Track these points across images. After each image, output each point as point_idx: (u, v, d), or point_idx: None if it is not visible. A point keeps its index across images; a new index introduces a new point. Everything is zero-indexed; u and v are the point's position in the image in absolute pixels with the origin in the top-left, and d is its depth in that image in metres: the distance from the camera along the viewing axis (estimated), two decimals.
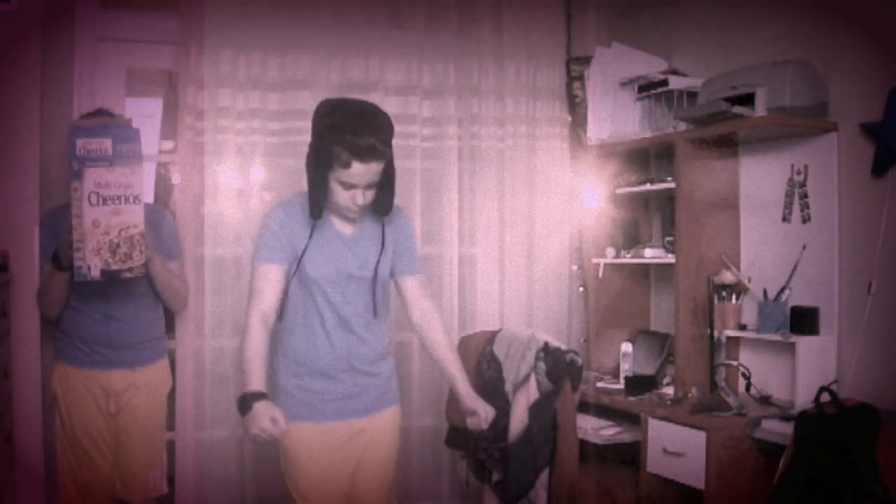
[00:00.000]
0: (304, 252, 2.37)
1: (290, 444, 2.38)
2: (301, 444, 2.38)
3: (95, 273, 2.52)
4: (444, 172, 3.59)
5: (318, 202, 2.34)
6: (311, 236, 2.37)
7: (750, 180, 3.27)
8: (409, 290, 2.54)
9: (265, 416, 2.15)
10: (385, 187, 2.38)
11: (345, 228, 2.43)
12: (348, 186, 2.30)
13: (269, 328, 2.34)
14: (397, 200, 2.47)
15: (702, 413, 2.89)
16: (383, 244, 2.45)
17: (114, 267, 2.54)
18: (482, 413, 2.42)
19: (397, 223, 2.51)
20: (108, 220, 2.52)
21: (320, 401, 2.40)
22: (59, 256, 2.61)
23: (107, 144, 2.52)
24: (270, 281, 2.36)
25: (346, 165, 2.25)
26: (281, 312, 2.41)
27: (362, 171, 2.26)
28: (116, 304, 2.81)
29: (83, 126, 2.59)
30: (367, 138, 2.23)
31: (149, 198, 3.88)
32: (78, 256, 2.51)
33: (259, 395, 2.20)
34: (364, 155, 2.23)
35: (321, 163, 2.29)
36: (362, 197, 2.32)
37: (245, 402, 2.19)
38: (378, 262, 2.44)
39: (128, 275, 2.57)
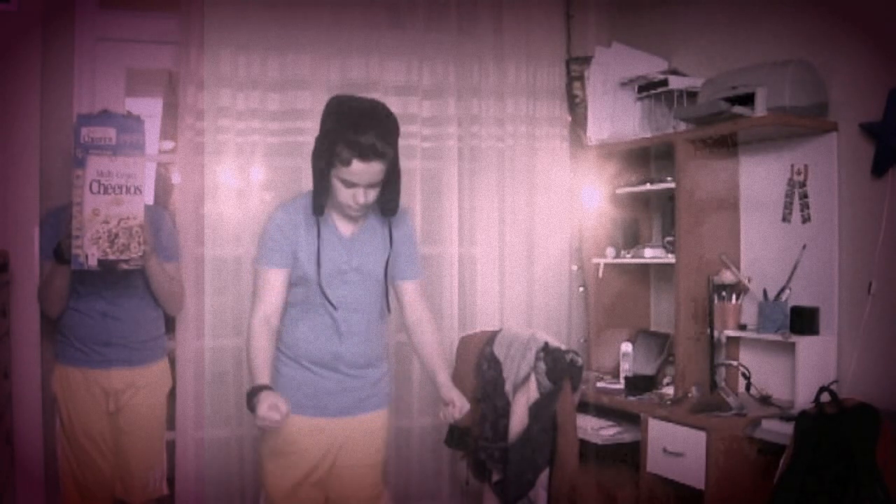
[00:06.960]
0: (302, 251, 2.38)
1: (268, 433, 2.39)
2: (276, 433, 2.38)
3: (93, 262, 2.52)
4: (444, 172, 3.59)
5: (320, 199, 2.34)
6: (310, 236, 2.38)
7: (750, 180, 3.27)
8: (407, 295, 2.53)
9: (265, 404, 2.17)
10: (390, 187, 2.37)
11: (345, 228, 2.43)
12: (349, 185, 2.29)
13: (272, 329, 2.37)
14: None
15: (702, 413, 2.88)
16: (391, 244, 2.45)
17: (111, 257, 2.53)
18: (458, 403, 2.36)
19: (402, 225, 2.50)
20: (108, 210, 2.52)
21: (301, 394, 2.39)
22: (62, 249, 2.60)
23: (111, 133, 2.53)
24: (272, 284, 2.37)
25: (347, 163, 2.24)
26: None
27: (363, 170, 2.25)
28: (114, 302, 2.81)
29: (89, 114, 2.60)
30: (368, 137, 2.21)
31: (149, 198, 3.88)
32: (76, 245, 2.50)
33: (262, 388, 2.23)
34: (365, 154, 2.22)
35: (324, 159, 2.29)
36: (363, 196, 2.31)
37: (251, 397, 2.23)
38: (386, 262, 2.44)
39: (125, 266, 2.56)
